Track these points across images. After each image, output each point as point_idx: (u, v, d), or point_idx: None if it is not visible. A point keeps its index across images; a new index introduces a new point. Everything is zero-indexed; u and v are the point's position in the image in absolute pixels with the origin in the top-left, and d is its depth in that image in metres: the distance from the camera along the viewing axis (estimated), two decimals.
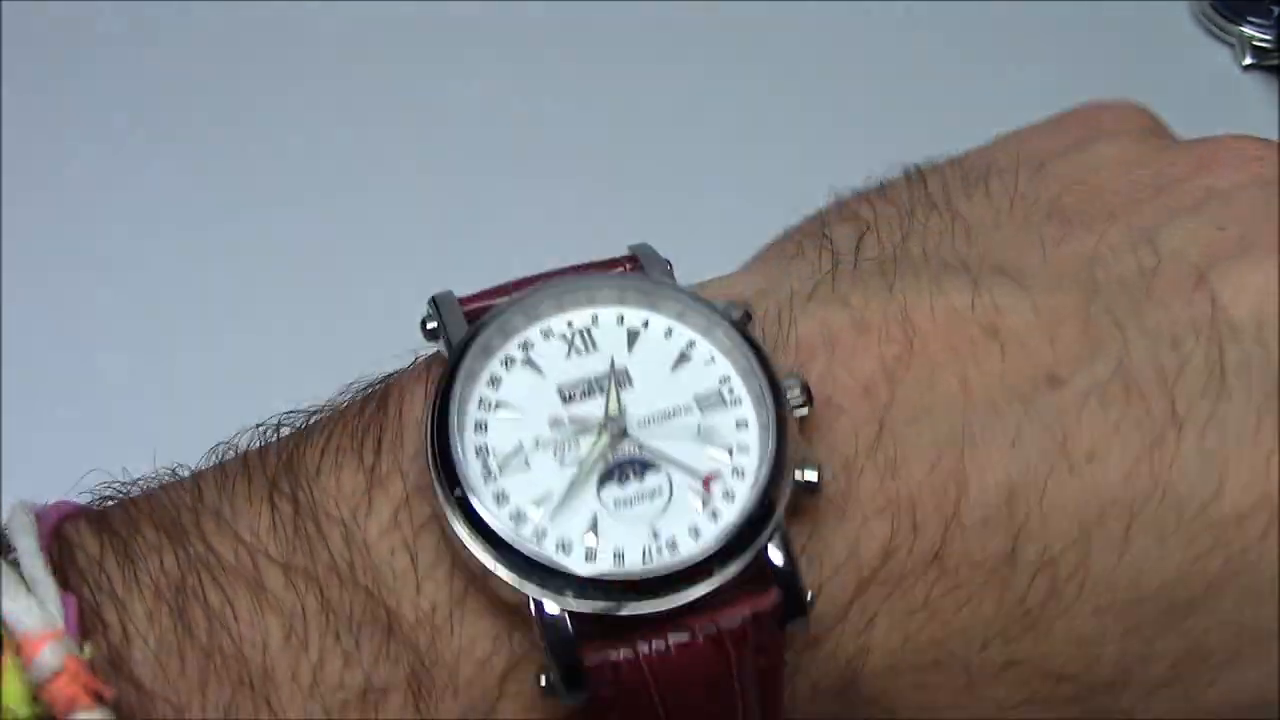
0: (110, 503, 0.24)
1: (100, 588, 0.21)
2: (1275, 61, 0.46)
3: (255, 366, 0.35)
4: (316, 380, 0.26)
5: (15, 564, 0.21)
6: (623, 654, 0.20)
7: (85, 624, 0.21)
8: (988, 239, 0.25)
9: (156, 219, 0.41)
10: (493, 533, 0.20)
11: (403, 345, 0.26)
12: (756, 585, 0.21)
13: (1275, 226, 0.24)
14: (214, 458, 0.25)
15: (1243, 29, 0.46)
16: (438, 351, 0.24)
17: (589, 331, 0.23)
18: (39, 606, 0.20)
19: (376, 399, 0.24)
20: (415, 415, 0.23)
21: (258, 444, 0.24)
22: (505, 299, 0.23)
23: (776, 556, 0.21)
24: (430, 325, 0.23)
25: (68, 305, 0.39)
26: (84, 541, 0.22)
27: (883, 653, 0.22)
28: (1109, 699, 0.24)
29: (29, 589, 0.21)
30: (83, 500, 0.25)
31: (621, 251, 0.25)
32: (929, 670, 0.23)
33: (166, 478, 0.25)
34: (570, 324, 0.23)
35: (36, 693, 0.20)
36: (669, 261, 0.25)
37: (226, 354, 0.37)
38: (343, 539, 0.22)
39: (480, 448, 0.21)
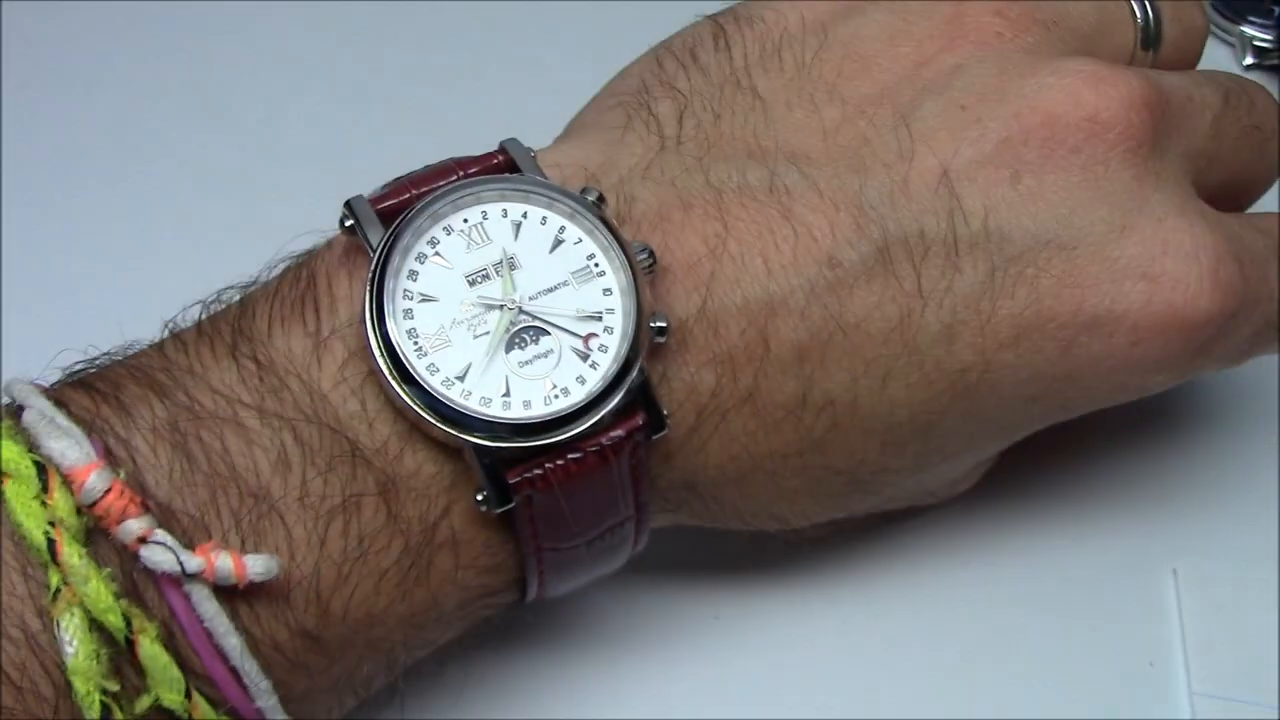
0: (83, 373, 0.29)
1: (105, 430, 0.27)
2: (1275, 61, 0.48)
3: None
4: (237, 262, 0.32)
5: (40, 416, 0.26)
6: (535, 472, 0.28)
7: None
8: (782, 124, 0.32)
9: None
10: (434, 399, 0.27)
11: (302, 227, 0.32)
12: (628, 411, 0.28)
13: (1005, 109, 0.30)
14: (167, 331, 0.30)
15: (1243, 29, 0.48)
16: (351, 240, 0.29)
17: (482, 226, 0.29)
18: (76, 445, 0.26)
19: (305, 277, 0.30)
20: (343, 292, 0.29)
21: (206, 316, 0.30)
22: (409, 200, 0.29)
23: (641, 388, 0.28)
24: (348, 223, 0.29)
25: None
26: (75, 399, 0.28)
27: (714, 467, 0.31)
28: (870, 479, 0.33)
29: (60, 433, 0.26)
30: (54, 375, 0.30)
31: (493, 144, 0.31)
32: (746, 476, 0.31)
33: (128, 349, 0.30)
34: (466, 220, 0.29)
35: (87, 510, 0.25)
36: (532, 150, 0.31)
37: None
38: (302, 388, 0.28)
39: (410, 331, 0.28)
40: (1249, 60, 0.48)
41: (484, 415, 0.27)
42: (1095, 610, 0.36)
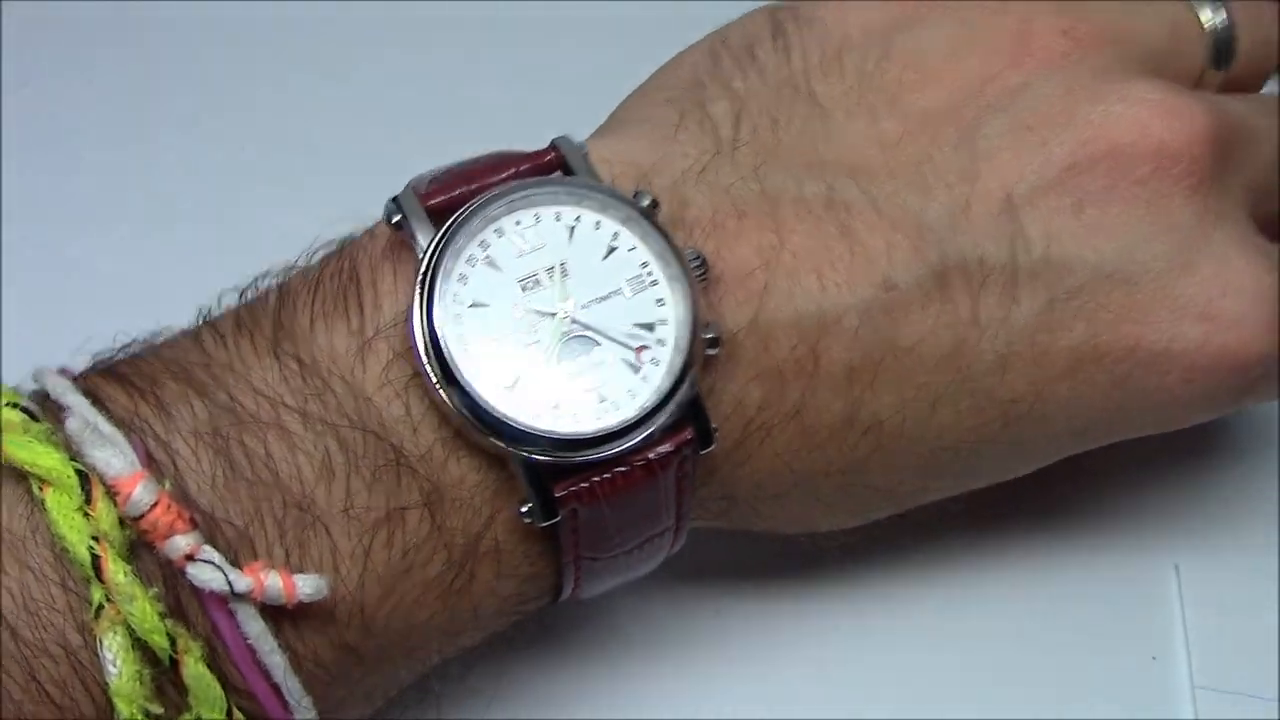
0: (114, 362, 0.28)
1: (145, 433, 0.26)
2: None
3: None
4: (268, 248, 0.31)
5: (83, 423, 0.25)
6: (581, 485, 0.27)
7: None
8: (841, 135, 0.30)
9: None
10: (482, 410, 0.26)
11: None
12: (677, 425, 0.28)
13: (1072, 135, 0.30)
14: (201, 319, 0.29)
15: None
16: (395, 234, 0.28)
17: (535, 229, 0.28)
18: (120, 454, 0.25)
19: (347, 270, 0.28)
20: (388, 288, 0.28)
21: (243, 305, 0.29)
22: (460, 197, 0.28)
23: (691, 403, 0.28)
24: (395, 219, 0.28)
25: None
26: (111, 395, 0.27)
27: (755, 481, 0.30)
28: (906, 496, 0.32)
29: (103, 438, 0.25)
30: (82, 363, 0.29)
31: (527, 131, 0.30)
32: (788, 491, 0.30)
33: (159, 338, 0.29)
34: (518, 223, 0.28)
35: (132, 524, 0.24)
36: (585, 147, 0.29)
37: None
38: (346, 390, 0.27)
39: (459, 337, 0.27)
40: None
41: (533, 430, 0.26)
42: (1098, 605, 0.36)
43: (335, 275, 0.28)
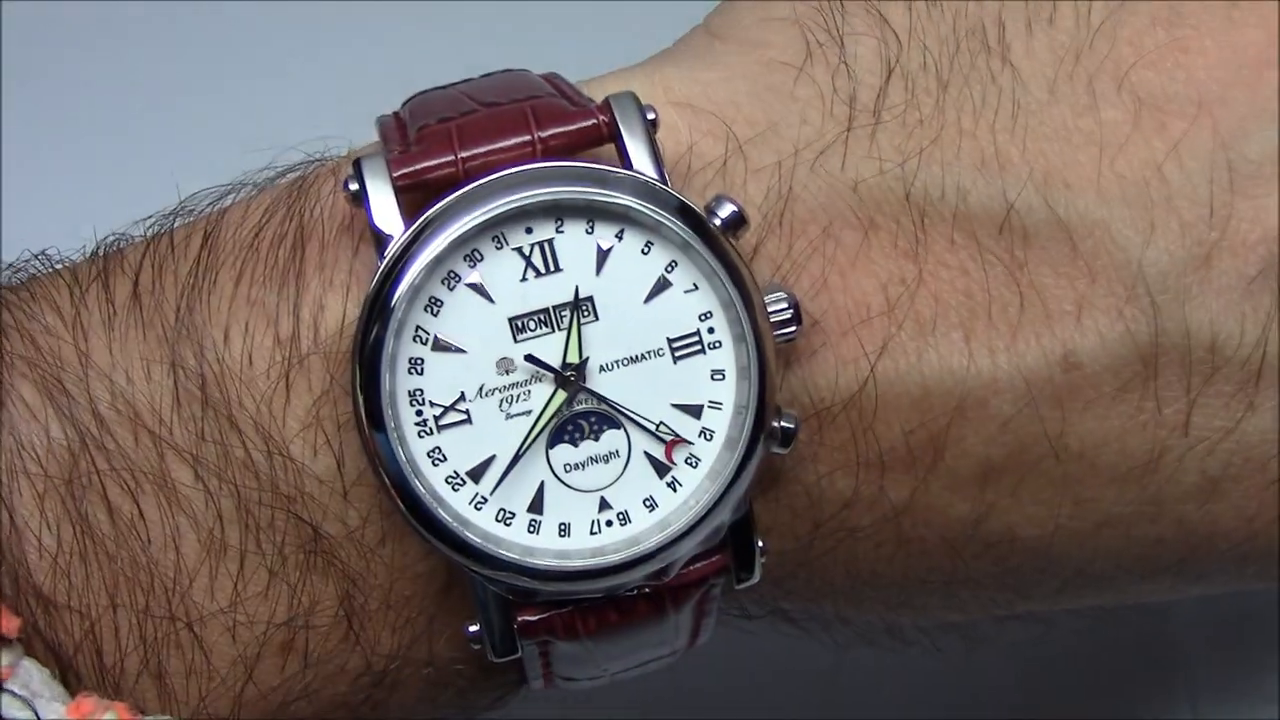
0: None
1: None
2: None
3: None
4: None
5: None
6: (554, 615, 0.19)
7: None
8: (1039, 121, 0.21)
9: None
10: (421, 506, 0.18)
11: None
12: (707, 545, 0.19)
13: None
14: (100, 254, 0.21)
15: None
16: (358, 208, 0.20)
17: (551, 245, 0.19)
18: None
19: (291, 237, 0.20)
20: (341, 279, 0.20)
21: (152, 257, 0.21)
22: (450, 174, 0.19)
23: (736, 526, 0.19)
24: (353, 187, 0.19)
25: None
26: None
27: (819, 584, 0.22)
28: (1021, 608, 0.24)
29: None
30: None
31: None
32: (863, 594, 0.22)
33: (36, 271, 0.21)
34: (529, 232, 0.19)
35: None
36: (652, 113, 0.20)
37: None
38: (258, 433, 0.19)
39: (415, 393, 0.18)
40: None
41: (494, 549, 0.18)
42: (1096, 609, 0.32)
43: (276, 244, 0.20)
